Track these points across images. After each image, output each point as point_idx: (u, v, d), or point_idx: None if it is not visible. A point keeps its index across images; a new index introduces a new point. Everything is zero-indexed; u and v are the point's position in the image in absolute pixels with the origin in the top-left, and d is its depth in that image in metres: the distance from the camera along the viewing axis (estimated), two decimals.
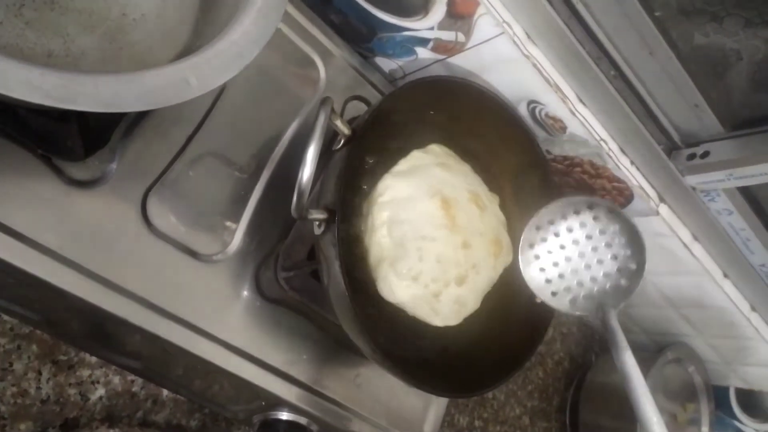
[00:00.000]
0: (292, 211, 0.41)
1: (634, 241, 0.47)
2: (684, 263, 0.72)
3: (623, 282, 0.47)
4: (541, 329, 0.56)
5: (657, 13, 0.53)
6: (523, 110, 0.60)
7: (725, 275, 0.74)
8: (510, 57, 0.55)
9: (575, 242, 0.49)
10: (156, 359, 0.52)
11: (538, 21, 0.53)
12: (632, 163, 0.62)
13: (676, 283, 0.79)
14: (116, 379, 0.56)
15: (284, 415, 0.53)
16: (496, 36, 0.54)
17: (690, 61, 0.56)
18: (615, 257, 0.47)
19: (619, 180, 0.63)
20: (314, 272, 0.51)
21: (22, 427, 0.50)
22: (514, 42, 0.53)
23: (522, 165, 0.59)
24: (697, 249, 0.70)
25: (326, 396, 0.54)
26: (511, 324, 0.57)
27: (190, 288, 0.48)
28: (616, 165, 0.61)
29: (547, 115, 0.60)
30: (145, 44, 0.42)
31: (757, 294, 0.77)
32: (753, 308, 0.79)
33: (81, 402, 0.54)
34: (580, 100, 0.58)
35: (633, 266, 0.47)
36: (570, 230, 0.49)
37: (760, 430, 1.01)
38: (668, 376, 0.95)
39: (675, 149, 0.64)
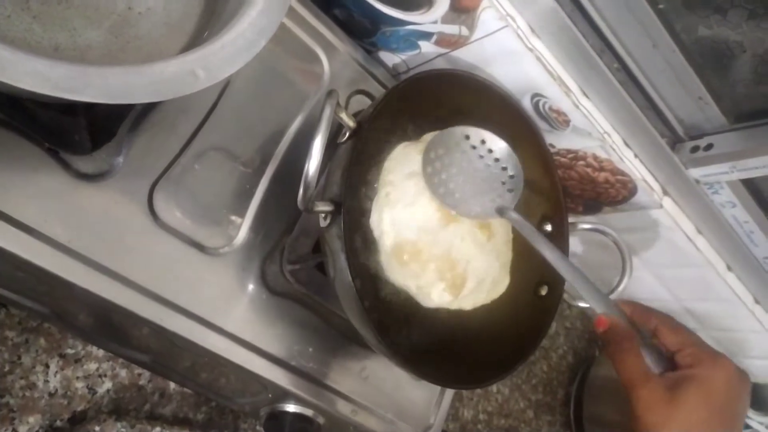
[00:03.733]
0: (298, 203, 0.41)
1: (508, 157, 0.55)
2: (687, 256, 0.72)
3: (507, 192, 0.54)
4: (545, 323, 0.56)
5: (660, 6, 0.53)
6: (526, 103, 0.60)
7: (729, 268, 0.74)
8: (513, 50, 0.55)
9: (461, 168, 0.54)
10: (163, 352, 0.52)
11: (541, 14, 0.53)
12: (636, 156, 0.62)
13: (680, 275, 0.79)
14: (123, 373, 0.56)
15: (291, 407, 0.53)
16: (500, 29, 0.54)
17: (693, 53, 0.56)
18: (494, 174, 0.54)
19: (622, 173, 0.63)
20: (320, 265, 0.52)
21: (31, 419, 0.51)
22: (518, 35, 0.54)
23: (525, 158, 0.59)
24: (701, 242, 0.70)
25: (332, 388, 0.54)
26: (515, 318, 0.57)
27: (197, 281, 0.48)
28: (620, 158, 0.61)
29: (550, 108, 0.60)
30: (152, 37, 0.42)
31: (760, 286, 0.77)
32: (756, 301, 0.78)
33: (88, 395, 0.54)
34: (584, 93, 0.58)
35: (511, 175, 0.54)
36: (454, 156, 0.54)
37: (765, 423, 1.01)
38: None
39: (678, 142, 0.64)
